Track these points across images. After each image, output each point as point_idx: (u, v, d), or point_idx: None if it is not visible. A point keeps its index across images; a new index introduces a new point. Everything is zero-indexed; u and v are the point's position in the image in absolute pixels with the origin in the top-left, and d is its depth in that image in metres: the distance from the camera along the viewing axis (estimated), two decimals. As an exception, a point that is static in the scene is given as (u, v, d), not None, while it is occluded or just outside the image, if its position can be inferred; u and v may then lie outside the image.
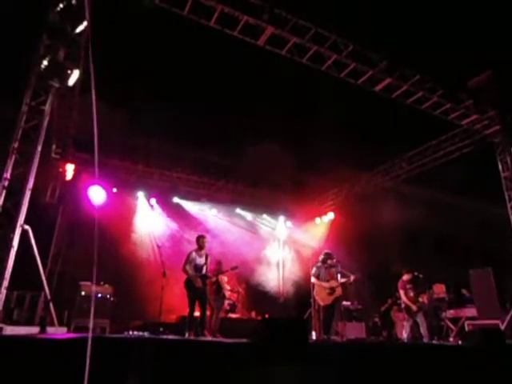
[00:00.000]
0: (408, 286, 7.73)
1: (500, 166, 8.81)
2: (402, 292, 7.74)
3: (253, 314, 11.00)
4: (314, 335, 7.79)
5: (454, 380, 4.29)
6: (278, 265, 12.92)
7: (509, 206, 8.52)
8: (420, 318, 7.42)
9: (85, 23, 5.18)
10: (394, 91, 8.15)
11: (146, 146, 10.57)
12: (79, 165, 9.51)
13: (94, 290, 5.12)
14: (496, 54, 8.26)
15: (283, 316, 9.12)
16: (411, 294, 7.64)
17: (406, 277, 7.82)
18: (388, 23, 7.68)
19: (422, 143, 10.35)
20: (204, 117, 9.35)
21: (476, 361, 4.72)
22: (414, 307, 7.51)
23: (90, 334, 2.26)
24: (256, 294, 11.56)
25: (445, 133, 9.86)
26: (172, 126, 9.26)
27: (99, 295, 8.10)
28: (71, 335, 3.74)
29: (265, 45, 7.03)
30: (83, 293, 7.94)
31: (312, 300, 7.76)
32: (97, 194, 9.72)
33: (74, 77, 5.23)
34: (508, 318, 7.64)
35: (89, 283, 7.92)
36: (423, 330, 7.33)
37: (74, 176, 9.46)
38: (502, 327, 7.38)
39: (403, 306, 7.80)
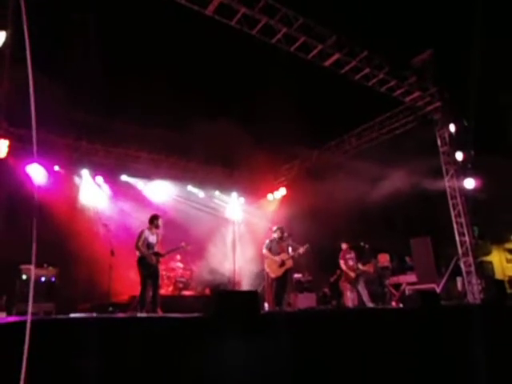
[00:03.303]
0: (348, 256, 8.29)
1: (439, 142, 9.35)
2: (341, 262, 8.31)
3: (207, 291, 11.04)
4: (266, 307, 7.99)
5: (396, 338, 4.60)
6: (231, 241, 12.97)
7: (446, 178, 9.11)
8: (361, 286, 7.94)
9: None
10: (343, 67, 8.27)
11: (90, 121, 9.94)
12: (14, 141, 8.79)
13: (33, 271, 4.82)
14: (437, 33, 8.63)
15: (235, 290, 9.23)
16: (351, 263, 8.20)
17: (344, 247, 8.40)
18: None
19: (370, 119, 10.71)
20: (152, 92, 8.96)
21: (415, 320, 5.08)
22: (352, 274, 8.06)
23: (29, 317, 2.12)
24: (210, 271, 11.57)
25: (390, 109, 10.26)
26: (118, 99, 8.79)
27: (42, 278, 7.70)
28: (9, 319, 3.50)
29: (213, 14, 6.78)
30: (24, 276, 7.50)
31: (265, 273, 7.93)
32: (36, 172, 9.13)
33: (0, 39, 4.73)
34: (443, 281, 8.32)
35: (30, 266, 7.47)
36: (365, 298, 7.85)
37: (9, 153, 8.75)
38: (438, 290, 8.01)
39: (344, 274, 8.32)
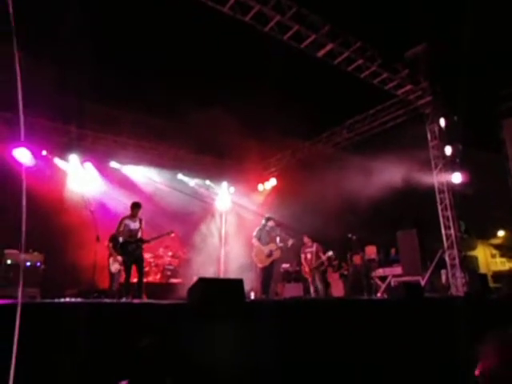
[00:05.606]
0: (307, 250, 8.73)
1: (429, 136, 9.40)
2: (302, 256, 8.83)
3: (194, 279, 11.03)
4: (252, 296, 8.04)
5: (380, 328, 4.67)
6: (220, 230, 12.99)
7: (434, 172, 9.18)
8: (317, 278, 8.45)
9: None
10: (336, 58, 8.22)
11: (80, 105, 9.76)
12: (1, 124, 8.63)
13: (22, 256, 4.77)
14: (431, 27, 8.61)
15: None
16: (309, 256, 8.64)
17: (305, 240, 8.85)
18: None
19: (362, 112, 10.71)
20: (143, 79, 8.84)
21: (399, 311, 5.16)
22: (306, 268, 8.66)
23: (19, 301, 2.09)
24: (198, 259, 11.58)
25: (381, 103, 10.26)
26: (108, 85, 8.64)
27: (28, 263, 7.62)
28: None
29: (206, 0, 6.68)
30: (9, 261, 7.41)
31: (252, 262, 7.98)
32: (23, 157, 8.98)
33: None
34: (427, 274, 8.43)
35: (15, 251, 7.39)
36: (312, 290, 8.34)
37: (-4, 136, 8.58)
38: (422, 283, 8.12)
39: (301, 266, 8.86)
